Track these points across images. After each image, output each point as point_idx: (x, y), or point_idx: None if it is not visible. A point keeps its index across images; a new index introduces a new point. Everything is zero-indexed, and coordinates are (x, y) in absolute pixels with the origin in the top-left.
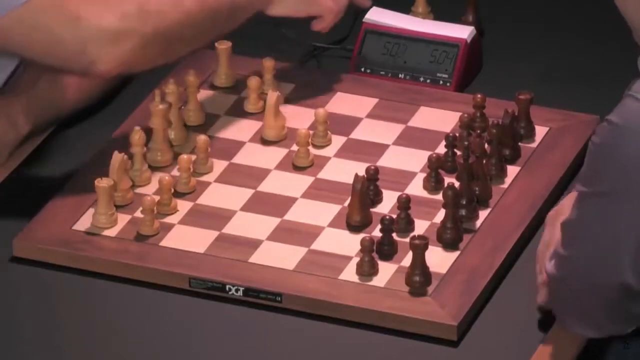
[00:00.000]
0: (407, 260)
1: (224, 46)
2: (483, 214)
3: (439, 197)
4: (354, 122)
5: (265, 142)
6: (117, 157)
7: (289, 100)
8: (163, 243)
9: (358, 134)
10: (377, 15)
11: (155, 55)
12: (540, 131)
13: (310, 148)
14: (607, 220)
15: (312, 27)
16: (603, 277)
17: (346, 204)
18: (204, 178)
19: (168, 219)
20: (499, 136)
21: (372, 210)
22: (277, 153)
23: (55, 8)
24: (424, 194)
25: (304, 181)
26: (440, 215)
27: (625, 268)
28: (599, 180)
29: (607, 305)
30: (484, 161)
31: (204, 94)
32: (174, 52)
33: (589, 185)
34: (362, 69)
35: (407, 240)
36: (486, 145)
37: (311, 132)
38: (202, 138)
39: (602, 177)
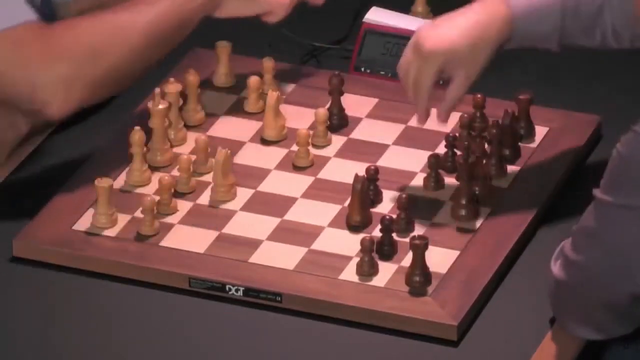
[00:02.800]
0: (407, 260)
1: (224, 46)
2: (483, 214)
3: (439, 197)
4: (354, 122)
5: (265, 142)
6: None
7: (289, 100)
8: (163, 243)
9: (358, 134)
10: (377, 15)
11: (107, 92)
12: (540, 131)
13: (310, 148)
14: (627, 231)
15: (263, 18)
16: (614, 286)
17: (346, 204)
18: (204, 178)
19: (168, 219)
20: (499, 136)
21: (372, 210)
22: (277, 153)
23: (10, 50)
24: (424, 194)
25: (304, 181)
26: (441, 214)
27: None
28: (623, 192)
29: (614, 311)
30: (484, 161)
31: (204, 94)
32: (125, 84)
33: (611, 194)
34: (362, 69)
35: (407, 240)
36: (486, 145)
37: (311, 132)
38: (202, 138)
39: (627, 190)
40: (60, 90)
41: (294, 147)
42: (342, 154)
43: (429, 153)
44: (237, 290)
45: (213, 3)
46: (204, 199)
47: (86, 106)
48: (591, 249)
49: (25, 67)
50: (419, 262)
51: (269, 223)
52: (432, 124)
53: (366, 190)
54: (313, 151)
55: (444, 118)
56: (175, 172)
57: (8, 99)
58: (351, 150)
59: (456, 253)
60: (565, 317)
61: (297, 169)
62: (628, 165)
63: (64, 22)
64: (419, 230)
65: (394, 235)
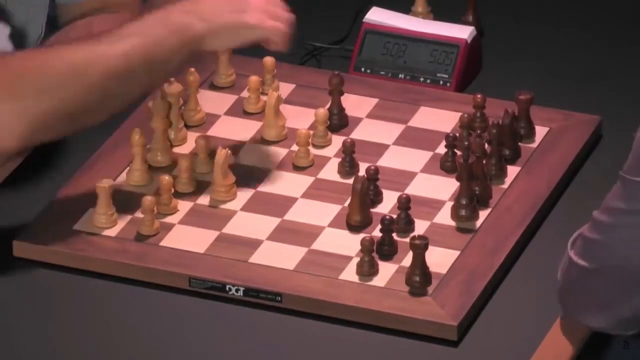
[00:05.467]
0: (407, 260)
1: None
2: (483, 214)
3: (439, 197)
4: (354, 122)
5: (265, 142)
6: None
7: (289, 100)
8: (163, 243)
9: (358, 134)
10: (377, 15)
11: (61, 128)
12: (540, 131)
13: (310, 148)
14: None
15: (265, 46)
16: (638, 264)
17: (346, 204)
18: (204, 178)
19: (168, 219)
20: (499, 136)
21: (372, 210)
22: (277, 153)
23: None
24: (424, 194)
25: (304, 181)
26: (441, 214)
27: None
28: None
29: (630, 295)
30: (484, 161)
31: (204, 94)
32: (88, 121)
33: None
34: (362, 69)
35: (407, 240)
36: (486, 145)
37: (311, 132)
38: (202, 138)
39: None
40: (3, 123)
41: (294, 147)
42: (342, 154)
43: (429, 153)
44: (237, 290)
45: (194, 41)
46: (204, 199)
47: (46, 141)
48: (618, 226)
49: None
50: (419, 262)
51: (269, 223)
52: (432, 124)
53: (366, 190)
54: (313, 151)
55: None
56: (175, 172)
57: None
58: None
59: (456, 253)
60: (576, 304)
61: (297, 169)
62: None
63: (19, 53)
64: (419, 230)
65: (394, 235)
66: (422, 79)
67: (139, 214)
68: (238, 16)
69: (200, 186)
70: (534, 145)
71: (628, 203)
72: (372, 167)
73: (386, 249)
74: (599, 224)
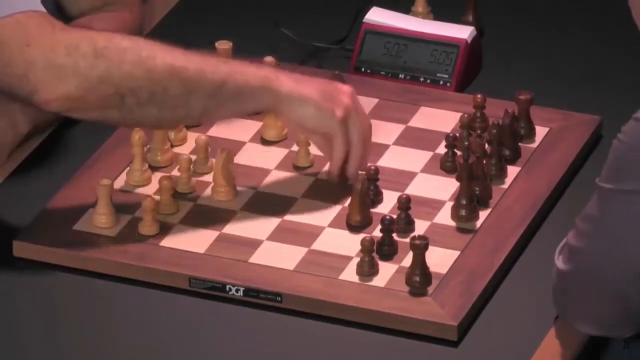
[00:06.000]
0: (407, 260)
1: (224, 46)
2: (483, 214)
3: (439, 197)
4: None
5: (265, 142)
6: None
7: None
8: (163, 243)
9: None
10: (377, 15)
11: (101, 104)
12: (540, 131)
13: (310, 148)
14: (631, 217)
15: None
16: (617, 273)
17: (346, 204)
18: (204, 178)
19: (168, 219)
20: (499, 136)
21: (372, 210)
22: (277, 153)
23: (14, 29)
24: (424, 194)
25: (304, 181)
26: (441, 214)
27: None
28: (625, 178)
29: (615, 302)
30: (484, 161)
31: None
32: (128, 111)
33: (614, 182)
34: (362, 69)
35: (407, 240)
36: (486, 145)
37: None
38: (202, 138)
39: (629, 175)
40: (52, 76)
41: (294, 147)
42: None
43: (429, 153)
44: (237, 290)
45: (273, 94)
46: (204, 199)
47: (80, 115)
48: (594, 234)
49: (24, 45)
50: (419, 262)
51: (269, 223)
52: (432, 123)
53: (366, 190)
54: (313, 151)
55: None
56: (175, 172)
57: (3, 79)
58: None
59: (456, 253)
60: (569, 311)
61: (297, 169)
62: (632, 151)
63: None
64: (419, 230)
65: (394, 235)
66: (422, 79)
67: (139, 214)
68: (326, 101)
69: (200, 186)
70: (534, 145)
71: (601, 211)
72: (372, 167)
73: (386, 249)
74: (579, 231)
